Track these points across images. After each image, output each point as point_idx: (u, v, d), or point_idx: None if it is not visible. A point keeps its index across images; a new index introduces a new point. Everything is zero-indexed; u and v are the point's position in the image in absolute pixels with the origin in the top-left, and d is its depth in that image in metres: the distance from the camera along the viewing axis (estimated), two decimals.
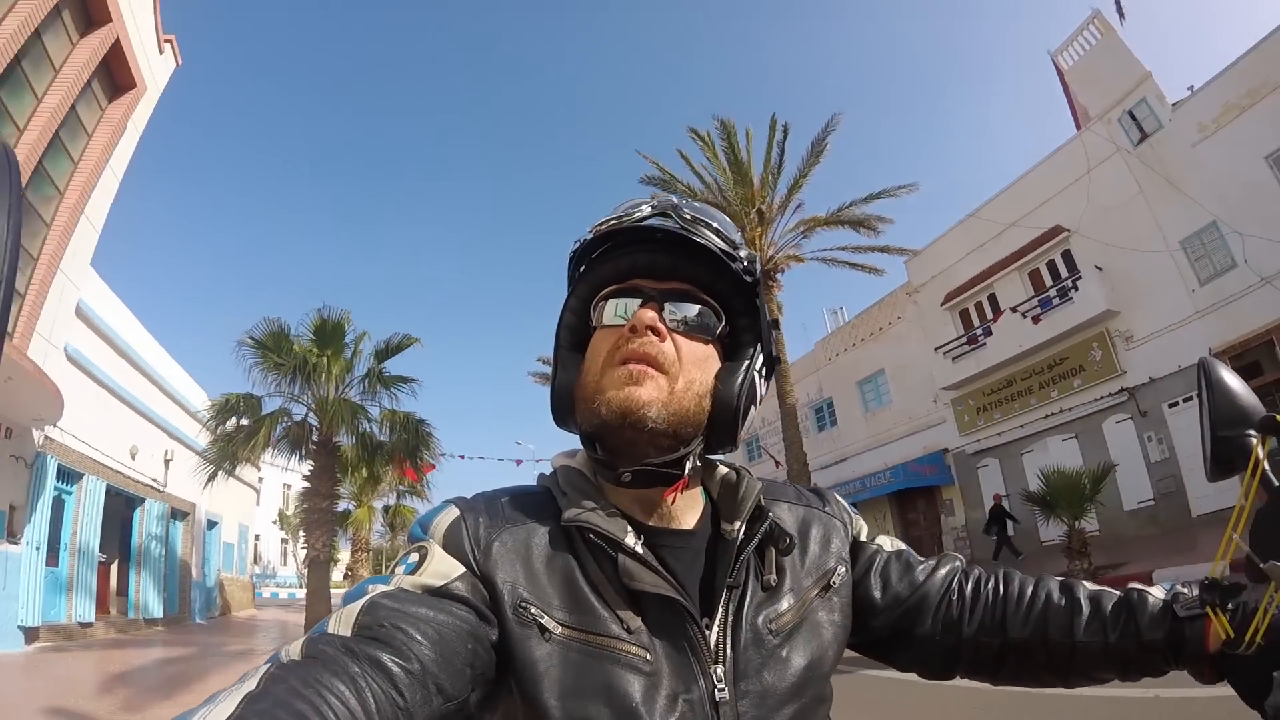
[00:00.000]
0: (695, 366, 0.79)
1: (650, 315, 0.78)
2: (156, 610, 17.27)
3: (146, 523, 17.47)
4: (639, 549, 0.77)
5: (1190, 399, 15.11)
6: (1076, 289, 17.42)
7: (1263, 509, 0.73)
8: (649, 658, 0.73)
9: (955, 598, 0.94)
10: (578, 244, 0.85)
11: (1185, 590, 0.82)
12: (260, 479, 21.54)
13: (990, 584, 0.94)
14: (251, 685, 0.53)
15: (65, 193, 12.21)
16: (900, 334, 23.05)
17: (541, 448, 35.77)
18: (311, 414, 15.02)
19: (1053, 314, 17.78)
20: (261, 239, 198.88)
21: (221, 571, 24.08)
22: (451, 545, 0.75)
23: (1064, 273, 18.26)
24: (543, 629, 0.72)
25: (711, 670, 0.75)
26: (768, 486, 0.94)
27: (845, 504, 1.02)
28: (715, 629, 0.78)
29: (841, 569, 0.91)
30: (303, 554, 18.85)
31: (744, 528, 0.82)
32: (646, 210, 0.81)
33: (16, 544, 11.53)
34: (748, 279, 0.83)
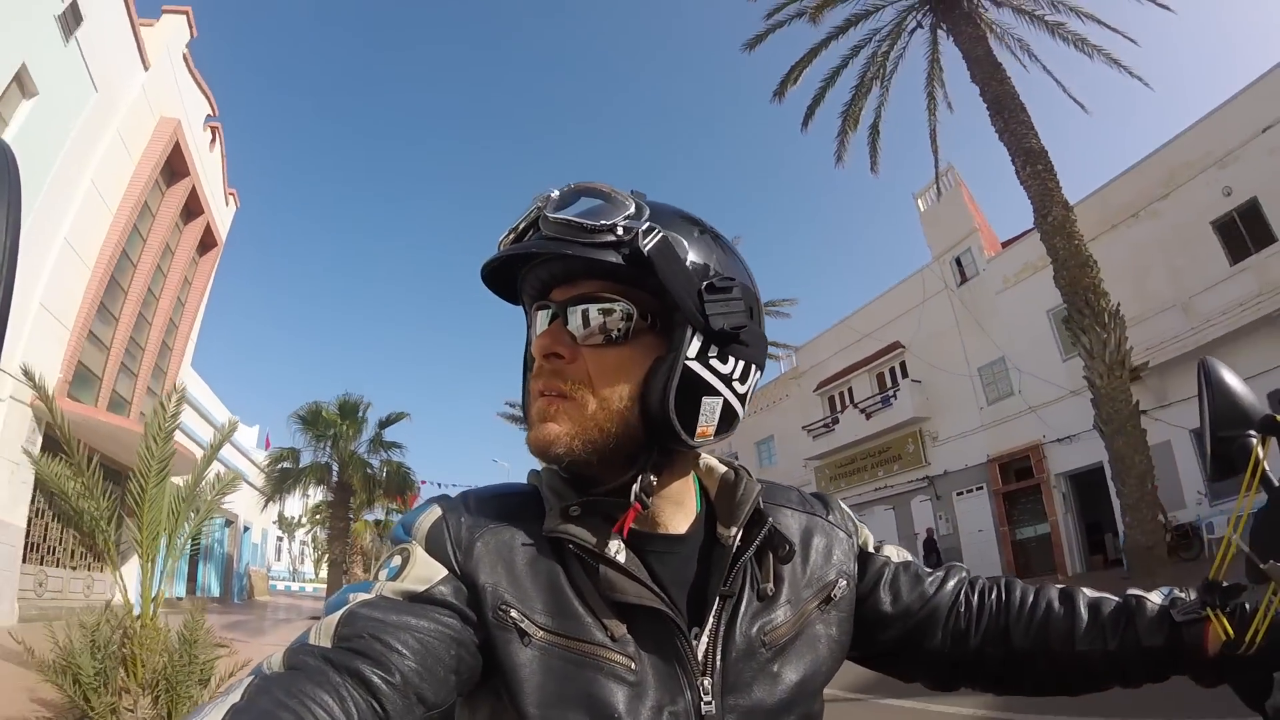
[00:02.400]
0: (608, 379, 0.76)
1: (544, 341, 0.76)
2: (216, 591, 26.29)
3: (211, 529, 25.73)
4: (621, 557, 0.75)
5: (972, 490, 21.93)
6: (895, 397, 23.78)
7: (1262, 510, 0.75)
8: (634, 667, 0.73)
9: (963, 609, 0.94)
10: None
11: (1183, 595, 0.85)
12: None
13: (994, 594, 0.95)
14: (236, 697, 0.56)
15: (179, 324, 20.02)
16: (786, 409, 29.58)
17: (517, 466, 42.78)
18: (334, 463, 23.46)
19: (880, 413, 24.17)
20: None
21: (250, 565, 33.98)
22: (434, 547, 0.74)
23: (893, 381, 24.58)
24: (523, 633, 0.71)
25: (699, 683, 0.75)
26: (769, 489, 0.93)
27: (849, 512, 1.01)
28: (705, 639, 0.77)
29: (843, 582, 0.90)
30: (298, 550, 26.86)
31: (741, 533, 0.81)
32: (522, 225, 0.78)
33: None
34: (625, 257, 0.74)
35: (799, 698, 0.81)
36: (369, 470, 23.54)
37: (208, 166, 20.85)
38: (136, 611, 6.32)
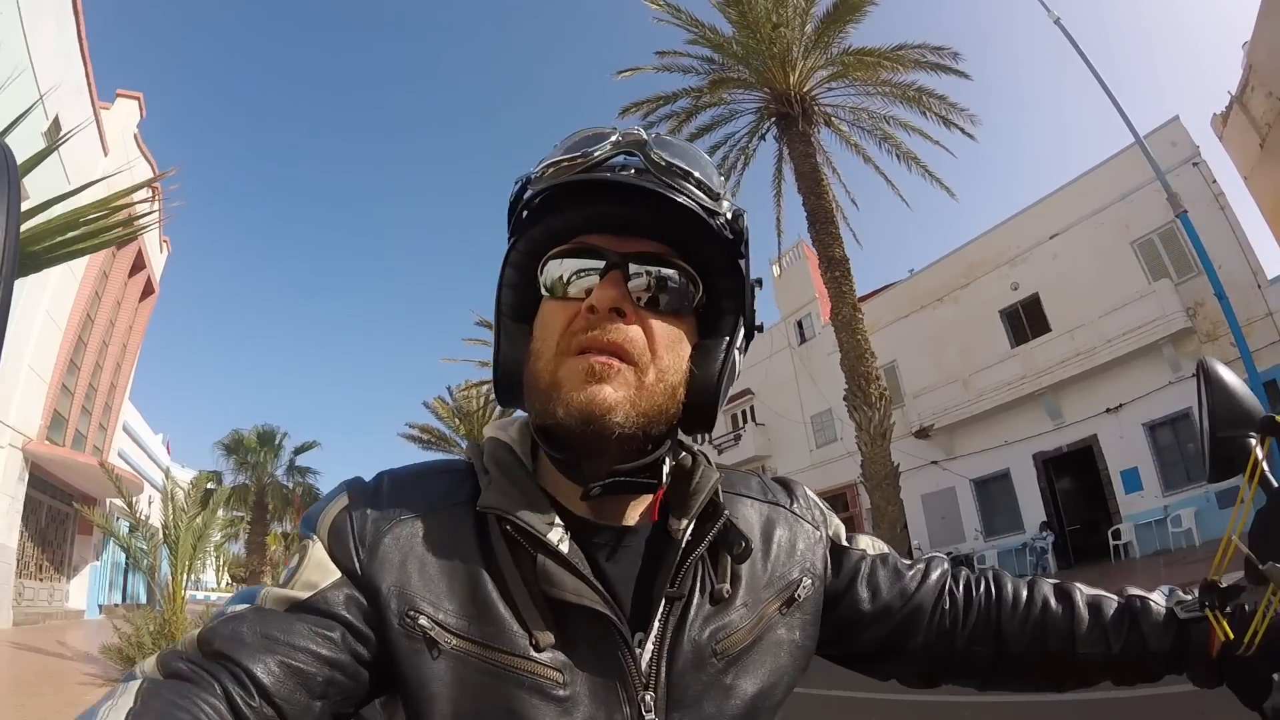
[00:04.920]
0: (668, 351, 0.72)
1: (613, 294, 0.70)
2: (143, 599, 30.57)
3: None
4: (564, 548, 0.70)
5: None
6: (740, 437, 29.12)
7: (1262, 510, 0.77)
8: (562, 679, 0.68)
9: (948, 606, 0.91)
10: (519, 184, 0.76)
11: (1184, 596, 0.86)
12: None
13: (982, 588, 0.93)
14: (130, 702, 0.55)
15: (122, 365, 24.11)
16: None
17: None
18: (253, 485, 27.93)
19: (731, 449, 29.39)
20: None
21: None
22: (335, 543, 0.70)
23: (742, 422, 29.77)
24: (432, 643, 0.67)
25: (640, 697, 0.69)
26: (727, 477, 0.87)
27: (816, 499, 0.95)
28: (650, 647, 0.72)
29: (808, 581, 0.85)
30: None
31: (693, 526, 0.76)
32: (607, 148, 0.72)
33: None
34: (730, 236, 0.74)
35: (755, 712, 0.76)
36: (285, 492, 28.16)
37: (149, 223, 24.82)
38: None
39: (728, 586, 0.77)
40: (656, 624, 0.73)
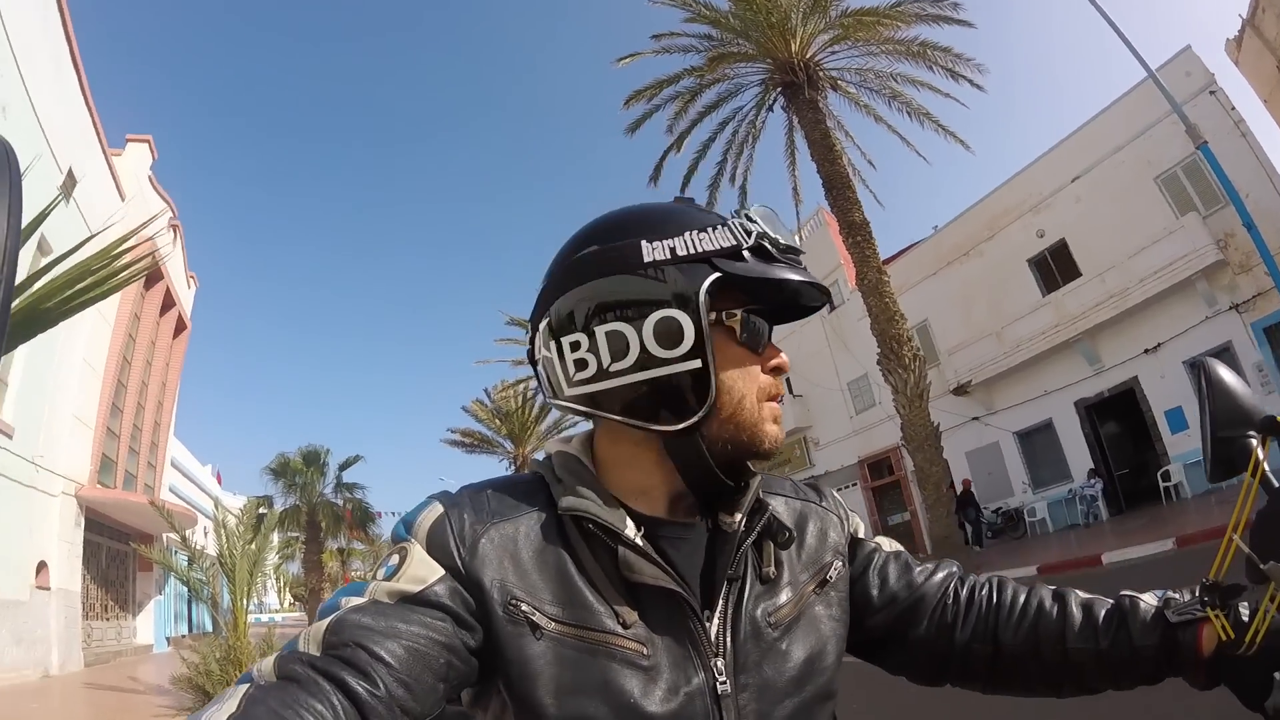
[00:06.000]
0: None
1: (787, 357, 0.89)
2: (209, 628, 31.70)
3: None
4: (639, 540, 0.82)
5: (849, 486, 27.23)
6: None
7: (1263, 510, 0.79)
8: (646, 652, 0.79)
9: (950, 602, 1.00)
10: (743, 225, 0.84)
11: (1177, 595, 0.89)
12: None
13: (984, 591, 1.01)
14: (233, 707, 0.60)
15: (163, 403, 24.83)
16: None
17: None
18: (303, 505, 28.74)
19: None
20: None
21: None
22: (435, 546, 0.79)
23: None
24: (535, 626, 0.77)
25: (712, 663, 0.81)
26: (765, 480, 0.98)
27: (840, 500, 1.09)
28: (715, 621, 0.84)
29: (838, 564, 0.98)
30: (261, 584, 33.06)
31: (744, 520, 0.88)
32: (796, 242, 0.87)
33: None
34: None
35: (809, 674, 0.87)
36: (335, 509, 28.89)
37: (174, 262, 25.29)
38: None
39: (773, 569, 0.91)
40: (719, 602, 0.85)
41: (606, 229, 0.89)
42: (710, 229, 0.83)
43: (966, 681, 1.02)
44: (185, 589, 25.21)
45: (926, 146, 25.66)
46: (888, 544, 1.07)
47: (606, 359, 0.83)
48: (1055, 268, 21.31)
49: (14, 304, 2.80)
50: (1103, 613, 0.92)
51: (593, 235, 0.89)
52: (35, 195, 14.93)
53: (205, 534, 26.11)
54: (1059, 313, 20.45)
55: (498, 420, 32.63)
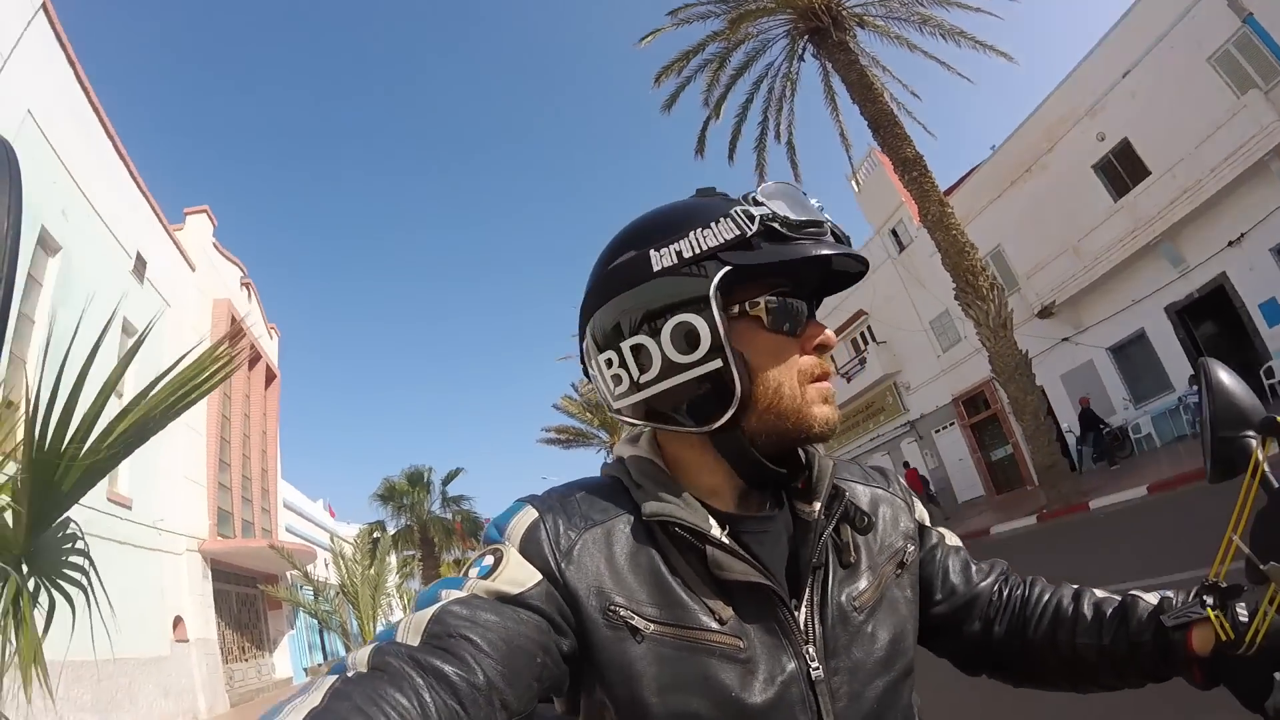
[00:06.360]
0: None
1: (833, 334, 0.89)
2: (342, 651, 33.32)
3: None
4: (725, 539, 0.83)
5: (946, 427, 26.68)
6: (865, 360, 28.77)
7: (1263, 510, 0.78)
8: (742, 645, 0.80)
9: (994, 599, 1.05)
10: (746, 212, 0.83)
11: (1171, 595, 0.90)
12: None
13: (1020, 589, 1.05)
14: (316, 700, 0.60)
15: (267, 450, 26.05)
16: None
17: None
18: (415, 524, 29.78)
19: (859, 374, 29.15)
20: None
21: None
22: (530, 550, 0.80)
23: (864, 345, 29.32)
24: (635, 630, 0.78)
25: (804, 650, 0.83)
26: (836, 466, 0.99)
27: (906, 486, 1.10)
28: (803, 609, 0.85)
29: (910, 548, 1.00)
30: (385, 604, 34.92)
31: (823, 509, 0.90)
32: (824, 233, 0.84)
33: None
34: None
35: (894, 655, 0.89)
36: (445, 524, 29.94)
37: (253, 318, 26.43)
38: None
39: (852, 555, 0.92)
40: (806, 590, 0.87)
41: (622, 243, 0.90)
42: (715, 223, 0.83)
43: (1000, 674, 1.07)
44: (315, 621, 26.80)
45: (968, 66, 24.55)
46: (950, 537, 1.10)
47: (636, 372, 0.86)
48: (1122, 170, 20.05)
49: (123, 423, 3.20)
50: (1109, 610, 0.94)
51: (611, 251, 0.90)
52: (110, 284, 16.03)
53: (326, 565, 27.37)
54: (1134, 216, 19.21)
55: (589, 413, 32.97)
